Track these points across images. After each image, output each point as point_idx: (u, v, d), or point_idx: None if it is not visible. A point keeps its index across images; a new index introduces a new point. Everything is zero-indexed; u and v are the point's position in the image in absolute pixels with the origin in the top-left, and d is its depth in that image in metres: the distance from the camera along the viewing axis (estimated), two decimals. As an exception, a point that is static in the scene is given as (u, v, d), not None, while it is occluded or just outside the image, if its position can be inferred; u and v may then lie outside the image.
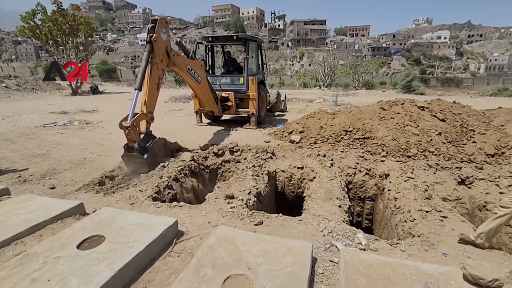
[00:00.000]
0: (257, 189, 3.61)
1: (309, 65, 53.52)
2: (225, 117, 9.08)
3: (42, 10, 17.54)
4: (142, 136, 4.24)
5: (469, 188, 3.90)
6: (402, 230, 3.02)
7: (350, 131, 5.51)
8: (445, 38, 70.22)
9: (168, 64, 4.96)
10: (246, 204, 3.14)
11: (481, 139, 4.82)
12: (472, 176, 3.93)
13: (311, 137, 5.81)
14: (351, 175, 4.44)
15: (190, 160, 4.49)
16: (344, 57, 54.59)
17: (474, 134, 4.99)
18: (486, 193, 3.64)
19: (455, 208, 3.38)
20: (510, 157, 4.44)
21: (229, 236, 2.12)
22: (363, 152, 4.88)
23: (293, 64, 61.13)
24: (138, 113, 4.17)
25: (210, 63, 8.57)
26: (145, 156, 4.09)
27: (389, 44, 65.91)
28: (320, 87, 29.97)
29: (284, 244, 2.05)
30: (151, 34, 4.41)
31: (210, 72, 8.58)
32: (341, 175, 4.22)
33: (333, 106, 13.28)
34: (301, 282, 1.67)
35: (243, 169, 4.29)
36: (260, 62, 8.91)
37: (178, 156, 4.89)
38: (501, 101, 15.40)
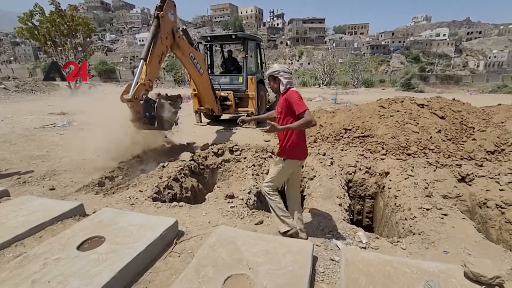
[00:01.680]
0: (257, 188, 3.61)
1: (308, 63, 53.39)
2: (225, 116, 9.06)
3: (40, 11, 17.44)
4: (142, 103, 4.23)
5: (469, 185, 3.90)
6: (403, 228, 3.02)
7: (350, 130, 5.51)
8: (444, 35, 70.04)
9: (172, 46, 5.03)
10: (246, 203, 3.14)
11: (481, 136, 4.82)
12: (472, 173, 3.93)
13: (311, 136, 5.80)
14: (351, 174, 4.44)
15: (190, 160, 4.48)
16: (343, 56, 54.58)
17: (474, 131, 4.99)
18: (487, 190, 3.64)
19: (455, 205, 3.38)
20: (510, 154, 4.43)
21: (229, 236, 2.12)
22: (363, 150, 4.88)
23: (292, 63, 61.00)
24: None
25: (209, 63, 8.54)
26: (155, 124, 4.37)
27: (388, 42, 65.77)
28: (319, 86, 29.96)
29: (284, 243, 2.05)
30: (158, 11, 4.50)
31: (209, 71, 8.55)
32: (341, 174, 4.23)
33: (333, 104, 13.27)
34: (301, 281, 1.67)
35: (243, 169, 4.29)
36: (259, 61, 8.89)
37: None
38: (500, 98, 15.40)
